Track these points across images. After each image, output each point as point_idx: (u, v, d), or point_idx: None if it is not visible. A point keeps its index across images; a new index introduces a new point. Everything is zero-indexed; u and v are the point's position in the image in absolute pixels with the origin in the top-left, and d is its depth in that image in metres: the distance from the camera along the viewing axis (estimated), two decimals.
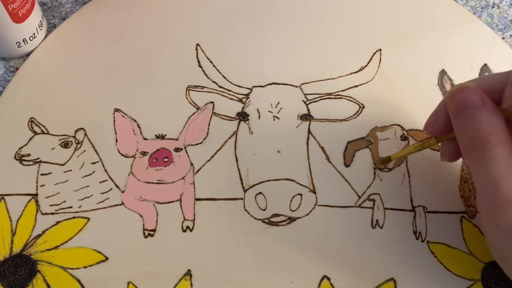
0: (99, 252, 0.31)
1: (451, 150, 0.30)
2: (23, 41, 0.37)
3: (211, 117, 0.36)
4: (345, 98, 0.37)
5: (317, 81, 0.38)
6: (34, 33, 0.37)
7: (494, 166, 0.25)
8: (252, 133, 0.36)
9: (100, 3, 0.40)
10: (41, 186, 0.33)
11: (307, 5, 0.41)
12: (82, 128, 0.35)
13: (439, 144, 0.31)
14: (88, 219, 0.32)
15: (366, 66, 0.38)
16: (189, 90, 0.37)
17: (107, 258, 0.31)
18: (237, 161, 0.35)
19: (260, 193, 0.33)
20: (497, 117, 0.26)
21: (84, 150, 0.34)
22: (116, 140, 0.35)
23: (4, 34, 0.35)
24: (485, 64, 0.39)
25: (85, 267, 0.31)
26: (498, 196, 0.25)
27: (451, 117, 0.28)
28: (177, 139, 0.35)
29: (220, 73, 0.38)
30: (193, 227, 0.32)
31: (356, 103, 0.37)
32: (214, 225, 0.33)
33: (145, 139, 0.35)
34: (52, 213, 0.32)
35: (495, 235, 0.26)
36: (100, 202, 0.33)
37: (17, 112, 0.35)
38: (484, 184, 0.26)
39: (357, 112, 0.37)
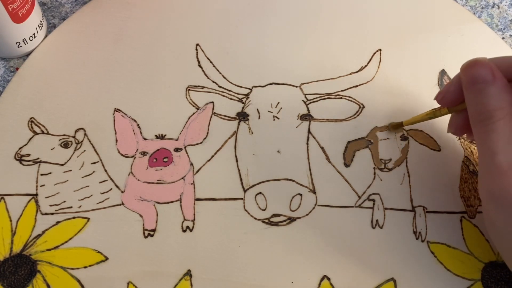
0: (99, 252, 0.31)
1: (459, 123, 0.31)
2: (23, 41, 0.37)
3: (211, 117, 0.36)
4: (345, 98, 0.37)
5: (317, 81, 0.38)
6: (34, 33, 0.37)
7: (494, 139, 0.26)
8: (252, 133, 0.36)
9: (100, 3, 0.40)
10: (41, 186, 0.33)
11: (307, 5, 0.41)
12: (82, 128, 0.35)
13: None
14: (88, 219, 0.32)
15: (366, 66, 0.38)
16: (189, 90, 0.37)
17: (107, 258, 0.31)
18: (237, 161, 0.35)
19: (260, 193, 0.33)
20: (505, 93, 0.27)
21: (84, 150, 0.34)
22: (116, 140, 0.35)
23: (4, 34, 0.35)
24: None
25: (85, 267, 0.31)
26: (493, 166, 0.26)
27: (464, 89, 0.28)
28: (177, 139, 0.35)
29: (220, 73, 0.38)
30: (193, 227, 0.32)
31: (356, 103, 0.37)
32: (214, 225, 0.33)
33: (145, 139, 0.35)
34: (52, 213, 0.32)
35: (489, 203, 0.28)
36: (100, 202, 0.33)
37: (17, 112, 0.35)
38: (482, 155, 0.27)
39: (357, 112, 0.37)
